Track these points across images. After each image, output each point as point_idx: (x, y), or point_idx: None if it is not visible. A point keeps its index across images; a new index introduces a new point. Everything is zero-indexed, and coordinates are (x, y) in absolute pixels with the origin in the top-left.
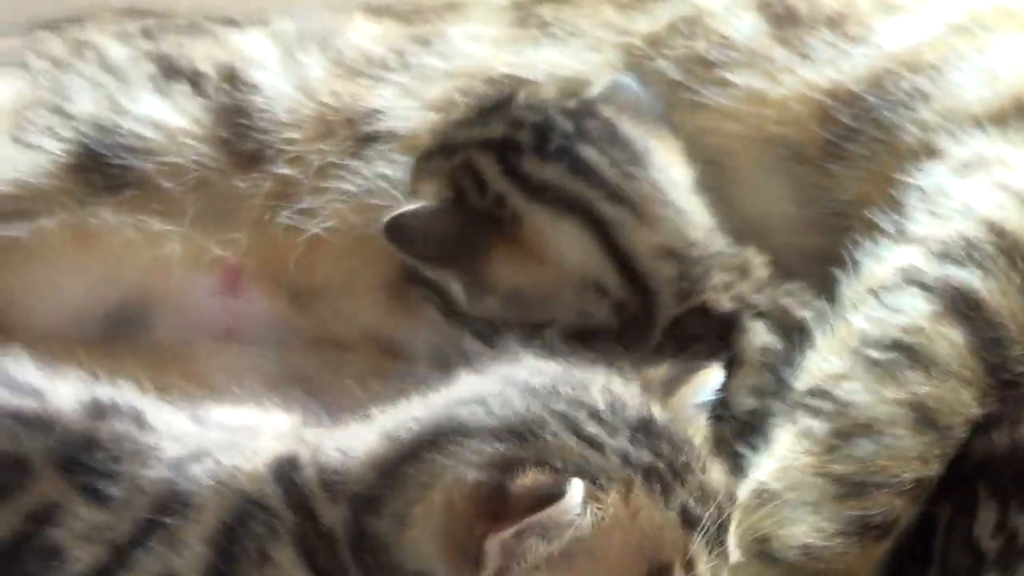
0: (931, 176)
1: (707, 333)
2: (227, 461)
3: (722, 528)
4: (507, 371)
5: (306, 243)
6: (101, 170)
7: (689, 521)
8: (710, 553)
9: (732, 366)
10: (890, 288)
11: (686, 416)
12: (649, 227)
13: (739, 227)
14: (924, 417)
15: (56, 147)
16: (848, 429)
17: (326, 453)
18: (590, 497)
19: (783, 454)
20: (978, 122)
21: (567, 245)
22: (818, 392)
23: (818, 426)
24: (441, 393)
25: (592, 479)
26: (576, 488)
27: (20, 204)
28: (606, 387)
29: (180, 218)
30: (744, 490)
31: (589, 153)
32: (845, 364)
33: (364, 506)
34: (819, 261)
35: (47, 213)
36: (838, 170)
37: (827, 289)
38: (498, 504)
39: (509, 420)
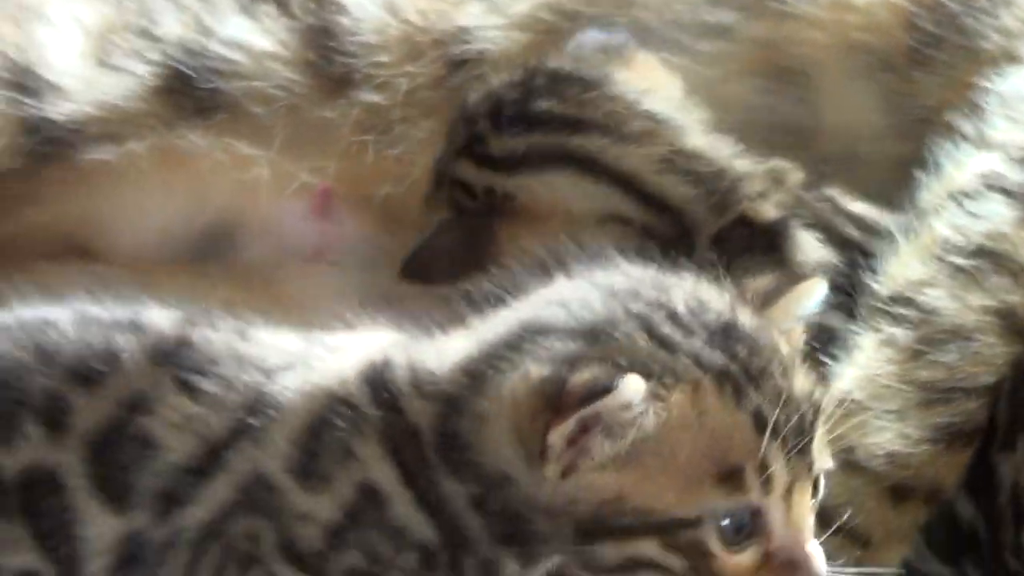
0: (1011, 82)
1: (753, 244)
2: (319, 367)
3: (803, 436)
4: (596, 275)
5: (395, 168)
6: (189, 93)
7: (761, 425)
8: (788, 460)
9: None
10: (971, 194)
11: (782, 326)
12: (629, 142)
13: (826, 136)
14: (1012, 324)
15: (144, 70)
16: (933, 336)
17: (421, 356)
18: (653, 395)
19: (866, 363)
20: None
21: (564, 195)
22: (901, 299)
23: (902, 334)
24: (532, 296)
25: (657, 377)
26: (630, 382)
27: (108, 127)
28: (691, 291)
29: (269, 143)
30: (826, 401)
31: (540, 104)
32: (928, 271)
33: (450, 406)
34: (904, 168)
35: (135, 136)
36: (921, 76)
37: (911, 197)
38: (559, 399)
39: (585, 320)
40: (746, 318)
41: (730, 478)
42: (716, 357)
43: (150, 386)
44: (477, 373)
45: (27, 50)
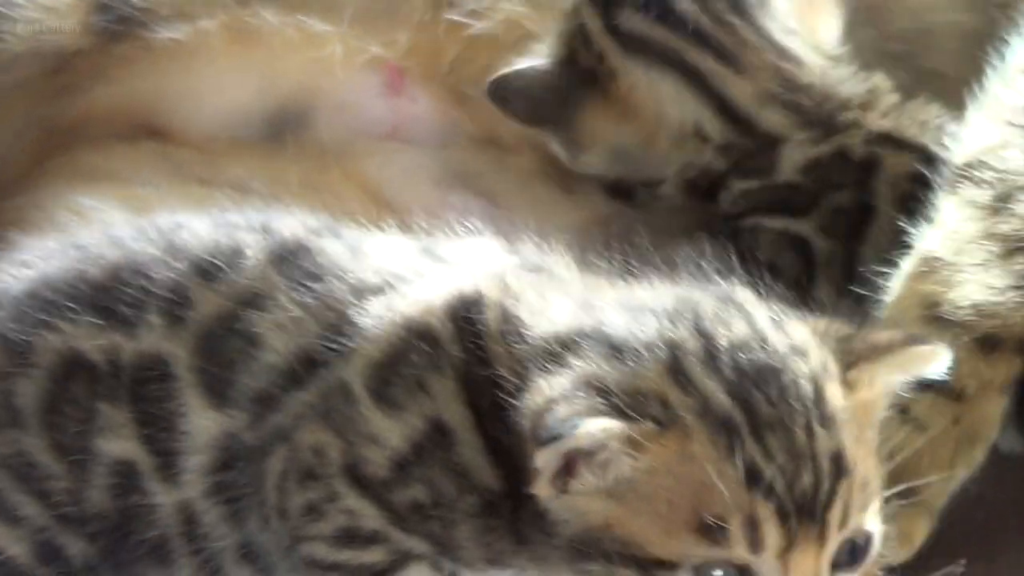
0: None
1: (847, 181)
2: (411, 295)
3: (813, 498)
4: (674, 290)
5: (470, 41)
6: None
7: (753, 480)
8: (790, 524)
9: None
10: None
11: (876, 391)
12: (747, 76)
13: (900, 10)
14: None
15: None
16: (1011, 192)
17: (516, 307)
18: (630, 440)
19: (948, 222)
20: None
21: (661, 98)
22: (976, 164)
23: (980, 193)
24: (619, 293)
25: (644, 421)
26: (593, 427)
27: (180, 5)
28: (751, 324)
29: (340, 18)
30: (911, 262)
31: (684, 4)
32: (1001, 134)
33: (524, 371)
34: (972, 41)
35: (207, 15)
36: None
37: (983, 71)
38: (534, 431)
39: (623, 339)
40: (798, 364)
41: (711, 530)
42: (724, 403)
43: (265, 286)
44: (554, 354)
45: None
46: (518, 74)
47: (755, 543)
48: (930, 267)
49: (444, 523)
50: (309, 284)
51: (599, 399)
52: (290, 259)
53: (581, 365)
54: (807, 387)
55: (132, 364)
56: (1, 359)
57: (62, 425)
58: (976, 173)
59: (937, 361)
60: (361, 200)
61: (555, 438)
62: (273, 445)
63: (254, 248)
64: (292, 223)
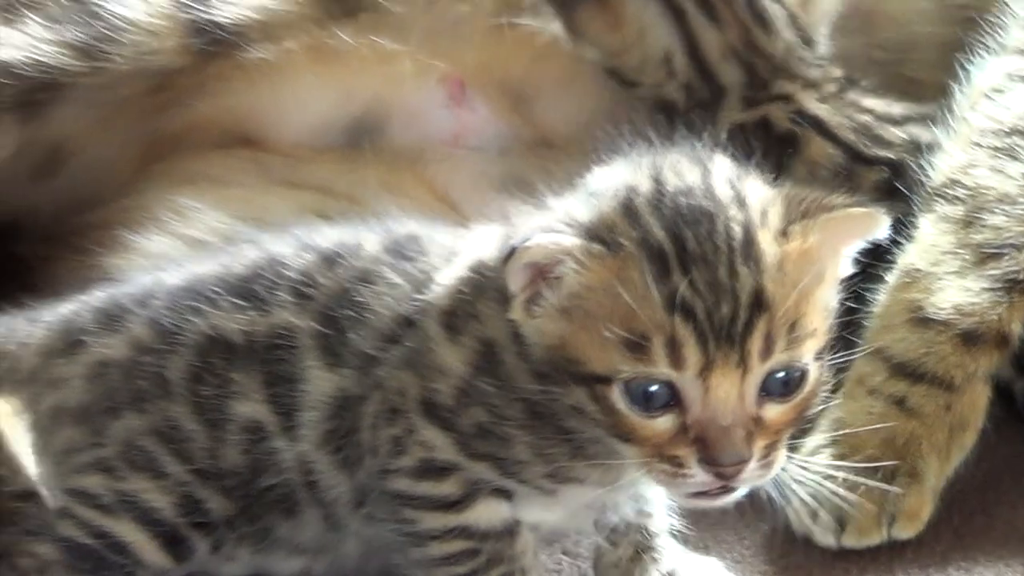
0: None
1: (767, 148)
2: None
3: (731, 327)
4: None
5: (525, 54)
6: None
7: (672, 305)
8: (705, 344)
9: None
10: (1000, 88)
11: (810, 243)
12: (719, 27)
13: (886, 20)
14: None
15: None
16: (982, 205)
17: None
18: (577, 255)
19: (926, 237)
20: None
21: (644, 20)
22: (950, 183)
23: (953, 209)
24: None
25: (590, 241)
26: (549, 238)
27: (267, 28)
28: (697, 173)
29: (408, 38)
30: (893, 276)
31: None
32: (970, 155)
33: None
34: (950, 49)
35: (291, 36)
36: None
37: (947, 106)
38: (509, 252)
39: (597, 187)
40: (734, 211)
41: (637, 346)
42: (659, 237)
43: (375, 265)
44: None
45: None
46: None
47: (676, 361)
48: (912, 278)
49: (503, 441)
50: (407, 263)
51: (560, 224)
52: (400, 244)
53: (560, 207)
54: (737, 231)
55: (265, 336)
56: (156, 340)
57: (203, 393)
58: (949, 192)
59: (874, 224)
60: (431, 201)
61: (513, 250)
62: (371, 392)
63: (371, 241)
64: (407, 222)
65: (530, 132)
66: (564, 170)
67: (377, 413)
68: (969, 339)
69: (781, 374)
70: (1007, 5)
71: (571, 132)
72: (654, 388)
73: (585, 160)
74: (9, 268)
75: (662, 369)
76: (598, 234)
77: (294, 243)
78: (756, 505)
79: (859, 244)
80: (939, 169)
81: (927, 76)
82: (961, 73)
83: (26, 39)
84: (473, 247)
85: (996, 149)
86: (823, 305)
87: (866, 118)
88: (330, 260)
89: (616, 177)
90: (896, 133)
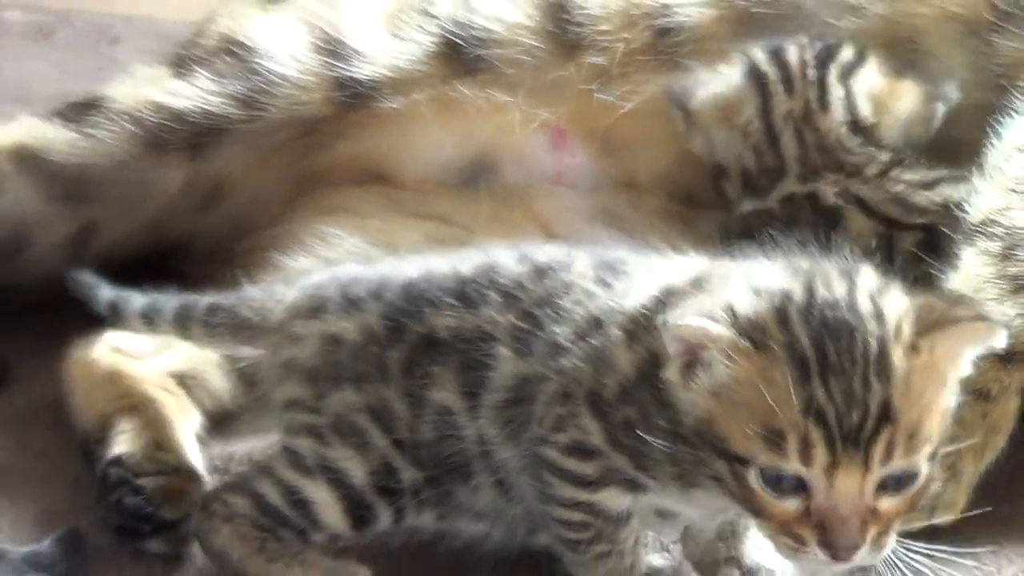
0: None
1: (808, 221)
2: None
3: (858, 434)
4: (810, 259)
5: (613, 110)
6: (458, 57)
7: (809, 409)
8: (833, 447)
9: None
10: None
11: (938, 356)
12: (790, 96)
13: (928, 87)
14: None
15: (425, 40)
16: (1018, 242)
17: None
18: (727, 349)
19: (968, 267)
20: None
21: (737, 94)
22: (988, 222)
23: (992, 245)
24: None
25: (742, 338)
26: (709, 327)
27: (398, 85)
28: (847, 287)
29: (517, 92)
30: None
31: (791, 51)
32: (1006, 200)
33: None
34: (986, 112)
35: (418, 90)
36: (998, 41)
37: (981, 157)
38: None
39: (758, 284)
40: (872, 325)
41: (773, 442)
42: (804, 345)
43: (580, 279)
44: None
45: (338, 26)
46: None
47: (806, 458)
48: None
49: (642, 441)
50: (613, 278)
51: (720, 312)
52: (608, 266)
53: (726, 294)
54: (873, 346)
55: (468, 332)
56: (384, 334)
57: (410, 382)
58: (988, 229)
59: (993, 334)
60: (535, 231)
61: (664, 323)
62: (553, 376)
63: (583, 261)
64: (619, 249)
65: (618, 174)
66: (646, 206)
67: (553, 393)
68: (1005, 358)
69: (897, 475)
70: None
71: (651, 175)
72: (784, 476)
73: (663, 199)
74: (178, 284)
75: (793, 464)
76: (750, 332)
77: (515, 254)
78: None
79: (979, 350)
80: (978, 209)
81: (968, 136)
82: (994, 131)
83: (196, 91)
84: (667, 273)
85: None
86: (943, 410)
87: (901, 188)
88: (542, 272)
89: (776, 278)
90: (929, 197)
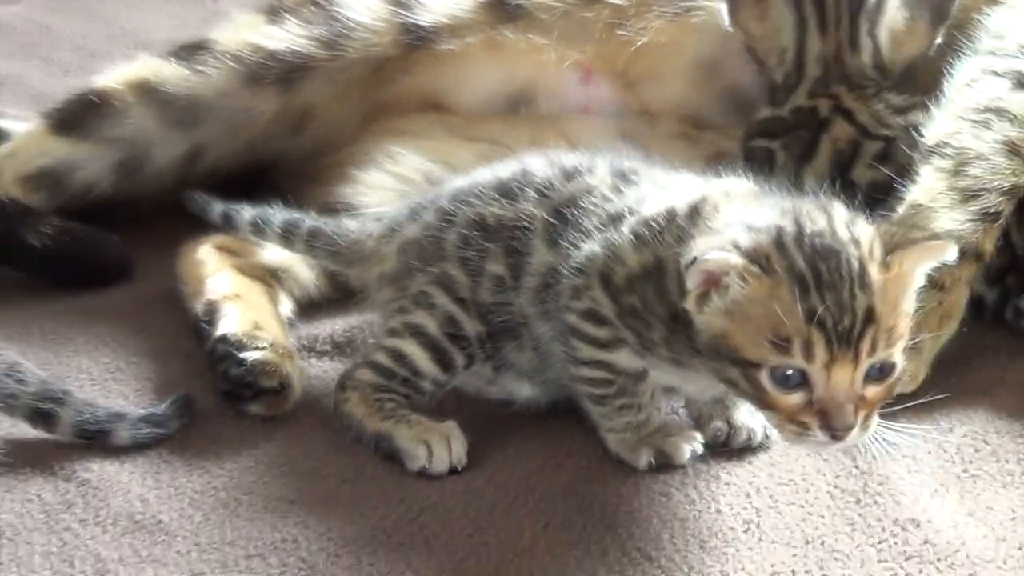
0: (993, 19)
1: (807, 126)
2: (654, 198)
3: (848, 336)
4: (791, 198)
5: (634, 47)
6: (503, 7)
7: (811, 318)
8: (830, 346)
9: (812, 151)
10: (976, 79)
11: (905, 270)
12: (824, 39)
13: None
14: (1012, 148)
15: None
16: (964, 160)
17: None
18: (742, 273)
19: (925, 181)
20: None
21: (780, 22)
22: (942, 144)
23: (945, 163)
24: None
25: (752, 263)
26: (728, 256)
27: (453, 30)
28: (826, 220)
29: (551, 35)
30: (903, 208)
31: None
32: (957, 125)
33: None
34: (944, 54)
35: (470, 34)
36: None
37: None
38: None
39: (756, 223)
40: (852, 248)
41: (781, 345)
42: (802, 266)
43: (600, 183)
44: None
45: None
46: None
47: (809, 356)
48: (916, 209)
49: (646, 324)
50: (625, 186)
51: (731, 247)
52: (622, 174)
53: (726, 233)
54: (855, 264)
55: (511, 220)
56: (439, 222)
57: (468, 255)
58: (942, 150)
59: (945, 251)
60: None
61: (694, 260)
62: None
63: (602, 166)
64: (633, 159)
65: (635, 103)
66: (659, 128)
67: (571, 268)
68: (957, 254)
69: (879, 365)
70: (980, 21)
71: (663, 103)
72: (790, 373)
73: (674, 124)
74: (273, 196)
75: (799, 363)
76: (758, 260)
77: (546, 160)
78: None
79: (932, 265)
80: (934, 133)
81: (928, 72)
82: (949, 70)
83: (286, 35)
84: (672, 193)
85: (975, 122)
86: (908, 313)
87: (881, 107)
88: (569, 174)
89: (768, 217)
90: (896, 120)
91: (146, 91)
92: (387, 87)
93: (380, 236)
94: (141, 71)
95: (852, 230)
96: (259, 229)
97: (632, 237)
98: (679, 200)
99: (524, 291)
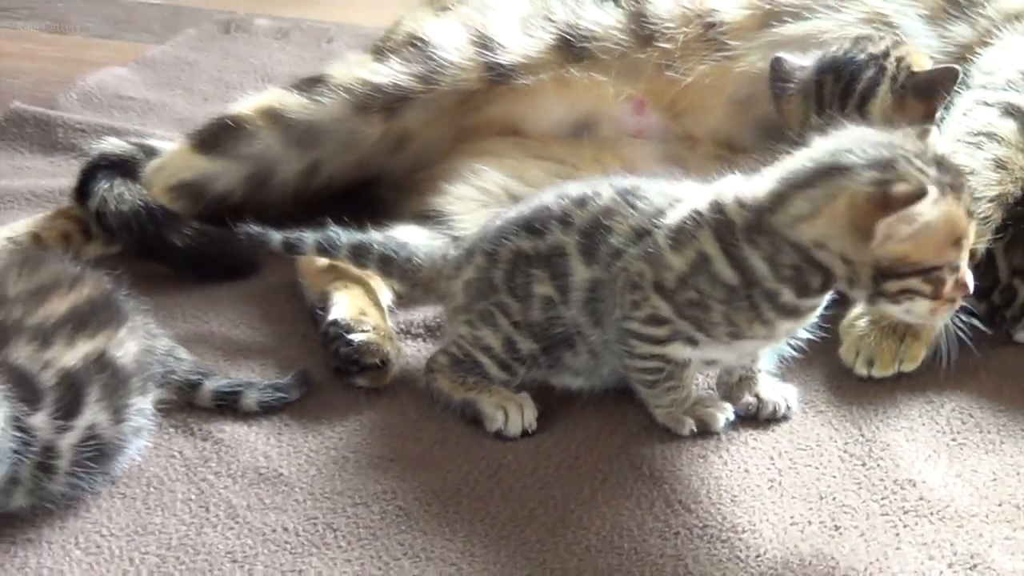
0: (984, 58)
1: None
2: (685, 203)
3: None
4: (865, 131)
5: (680, 85)
6: (570, 49)
7: (969, 213)
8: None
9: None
10: (971, 108)
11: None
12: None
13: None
14: (1000, 164)
15: (547, 37)
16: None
17: (741, 190)
18: (934, 201)
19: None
20: (1009, 20)
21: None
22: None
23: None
24: (818, 145)
25: (939, 190)
26: (931, 191)
27: (527, 67)
28: (917, 143)
29: (610, 74)
30: None
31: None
32: (955, 147)
33: (764, 211)
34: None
35: (541, 72)
36: (955, 29)
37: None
38: (884, 202)
39: (876, 157)
40: (942, 153)
41: (956, 243)
42: (948, 180)
43: (613, 203)
44: (788, 193)
45: (487, 26)
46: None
47: (965, 243)
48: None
49: (705, 309)
50: (637, 201)
51: (918, 183)
52: (626, 192)
53: (859, 177)
54: (969, 196)
55: (547, 250)
56: (486, 263)
57: (515, 284)
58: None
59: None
60: (621, 170)
61: (909, 201)
62: (618, 275)
63: (607, 190)
64: (631, 178)
65: (680, 130)
66: (700, 151)
67: (624, 285)
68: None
69: None
70: (973, 60)
71: (704, 130)
72: (956, 266)
73: (712, 148)
74: (374, 205)
75: (962, 251)
76: (938, 185)
77: (554, 194)
78: (817, 354)
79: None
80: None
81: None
82: (950, 101)
83: (390, 71)
84: (699, 195)
85: (968, 143)
86: None
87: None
88: (580, 202)
89: (876, 151)
90: None
91: (272, 117)
92: (473, 115)
93: (448, 276)
94: (269, 100)
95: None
96: (325, 251)
97: (670, 243)
98: (698, 200)
99: (573, 304)
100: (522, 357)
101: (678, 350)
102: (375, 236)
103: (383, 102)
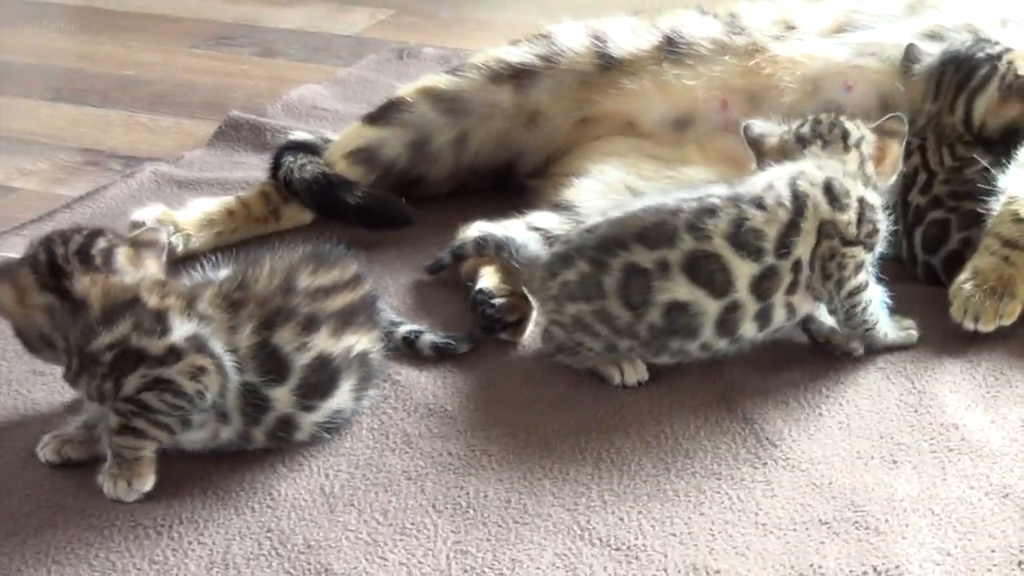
0: None
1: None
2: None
3: None
4: None
5: (751, 90)
6: (670, 51)
7: None
8: None
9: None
10: None
11: None
12: (933, 103)
13: None
14: None
15: (650, 38)
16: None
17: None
18: None
19: (1017, 176)
20: None
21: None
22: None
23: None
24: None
25: None
26: None
27: (631, 71)
28: None
29: (700, 77)
30: (1003, 196)
31: (948, 73)
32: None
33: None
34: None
35: (646, 75)
36: None
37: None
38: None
39: None
40: None
41: None
42: None
43: (734, 207)
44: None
45: (602, 27)
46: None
47: None
48: (1011, 198)
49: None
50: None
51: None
52: (738, 196)
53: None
54: None
55: (688, 258)
56: (592, 269)
57: (627, 294)
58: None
59: None
60: (716, 157)
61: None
62: (787, 265)
63: (721, 194)
64: (717, 183)
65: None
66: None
67: (820, 272)
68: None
69: None
70: None
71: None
72: None
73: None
74: (516, 189)
75: None
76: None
77: (677, 194)
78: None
79: None
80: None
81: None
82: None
83: (518, 51)
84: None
85: None
86: None
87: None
88: (710, 210)
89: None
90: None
91: (426, 92)
92: (589, 106)
93: (543, 277)
94: (424, 81)
95: None
96: (480, 247)
97: (809, 230)
98: (777, 180)
99: (737, 291)
100: (621, 351)
101: (868, 279)
102: (498, 235)
103: (511, 73)
